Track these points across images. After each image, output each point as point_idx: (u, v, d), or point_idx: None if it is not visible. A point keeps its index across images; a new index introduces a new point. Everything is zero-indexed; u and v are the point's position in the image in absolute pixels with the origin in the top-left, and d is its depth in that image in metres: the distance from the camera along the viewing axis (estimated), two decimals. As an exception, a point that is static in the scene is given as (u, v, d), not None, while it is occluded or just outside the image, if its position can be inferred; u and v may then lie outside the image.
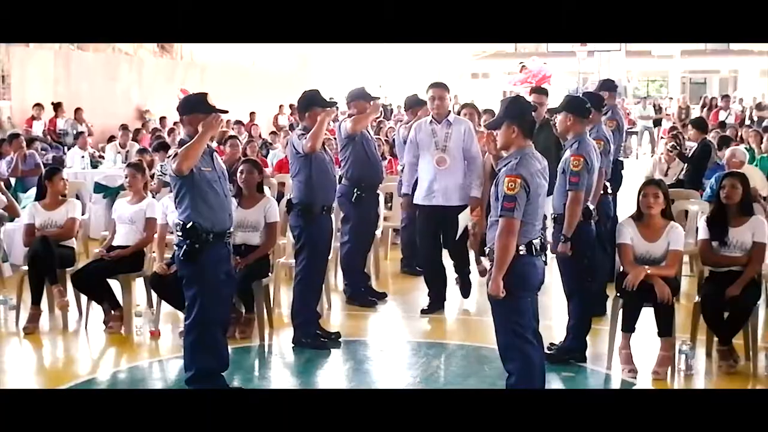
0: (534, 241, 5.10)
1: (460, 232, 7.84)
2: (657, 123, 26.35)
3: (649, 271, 6.16)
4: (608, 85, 9.24)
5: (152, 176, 10.25)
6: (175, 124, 17.91)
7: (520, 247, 5.02)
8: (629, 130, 24.84)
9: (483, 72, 37.34)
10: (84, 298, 7.85)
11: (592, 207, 6.60)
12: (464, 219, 7.78)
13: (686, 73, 39.14)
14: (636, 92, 38.94)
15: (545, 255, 5.23)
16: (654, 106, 28.60)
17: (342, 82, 21.36)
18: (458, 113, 9.00)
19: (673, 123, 24.11)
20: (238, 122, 18.35)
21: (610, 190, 7.82)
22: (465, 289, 8.43)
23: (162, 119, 19.69)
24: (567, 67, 31.83)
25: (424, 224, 8.12)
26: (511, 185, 4.98)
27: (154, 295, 7.67)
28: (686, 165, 11.17)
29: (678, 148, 11.34)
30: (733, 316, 6.29)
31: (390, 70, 28.69)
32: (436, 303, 8.19)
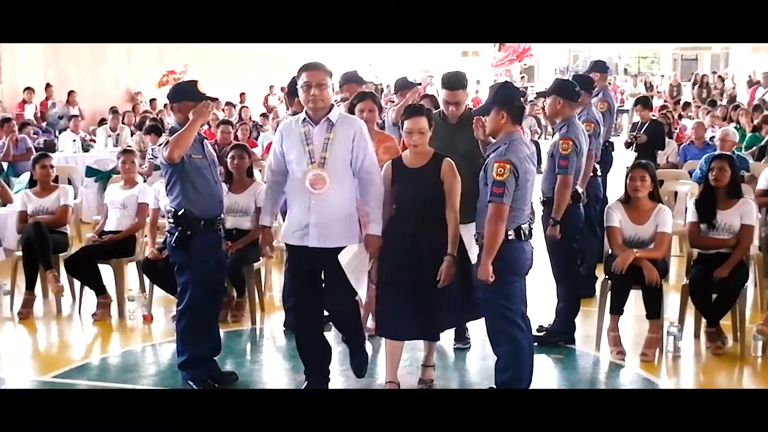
0: (523, 226, 5.14)
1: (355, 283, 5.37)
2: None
3: (637, 254, 6.21)
4: (599, 67, 9.26)
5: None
6: (165, 106, 17.92)
7: (509, 232, 5.07)
8: (620, 108, 24.92)
9: (473, 50, 36.96)
10: (77, 283, 7.89)
11: (580, 190, 6.64)
12: (352, 264, 5.32)
13: (677, 50, 39.13)
14: (628, 69, 38.98)
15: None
16: (645, 83, 28.67)
17: (332, 61, 21.33)
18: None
19: (665, 101, 24.16)
20: (229, 104, 18.32)
21: (599, 173, 7.87)
22: (359, 366, 5.73)
23: (152, 101, 19.65)
24: (557, 45, 31.76)
25: (296, 273, 5.58)
26: (501, 171, 5.02)
27: (146, 280, 7.71)
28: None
29: (634, 141, 11.32)
30: (721, 297, 6.36)
31: (379, 48, 28.53)
32: (318, 381, 5.61)
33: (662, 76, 31.72)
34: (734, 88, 25.97)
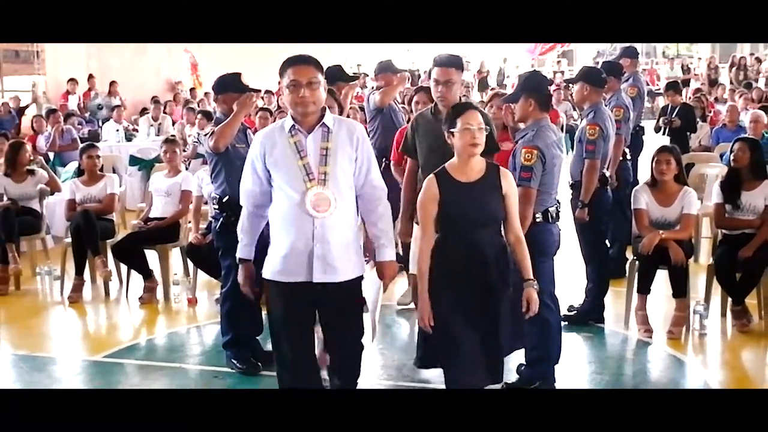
0: (550, 209, 5.36)
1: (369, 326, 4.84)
2: (685, 83, 26.30)
3: (663, 235, 6.40)
4: (629, 53, 9.41)
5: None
6: (205, 95, 18.26)
7: (537, 215, 5.28)
8: (657, 91, 24.90)
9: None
10: (124, 268, 8.22)
11: (608, 174, 6.84)
12: (374, 300, 4.93)
13: (716, 30, 38.68)
14: (666, 51, 38.69)
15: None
16: (682, 66, 28.54)
17: (356, 51, 21.51)
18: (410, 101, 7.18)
19: (701, 83, 24.12)
20: (269, 92, 18.60)
21: (629, 156, 8.05)
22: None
23: (192, 90, 20.00)
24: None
25: (290, 320, 4.38)
26: (528, 156, 5.23)
27: (191, 265, 8.01)
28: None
29: (668, 125, 11.45)
30: (746, 276, 6.53)
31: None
32: None
33: (699, 58, 31.53)
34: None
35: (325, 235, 4.20)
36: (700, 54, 34.65)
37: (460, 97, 5.53)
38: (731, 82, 23.32)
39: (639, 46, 36.37)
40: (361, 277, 4.38)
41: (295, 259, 4.21)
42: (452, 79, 5.38)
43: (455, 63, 5.43)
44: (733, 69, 25.60)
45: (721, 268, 6.61)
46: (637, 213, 6.64)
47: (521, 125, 5.54)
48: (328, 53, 19.94)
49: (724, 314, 6.84)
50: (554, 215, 5.39)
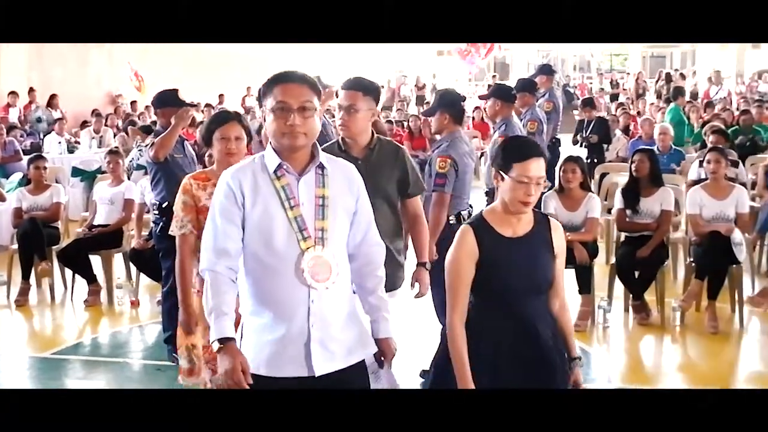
0: (463, 212, 5.93)
1: None
2: (614, 98, 27.26)
3: (569, 237, 7.02)
4: (545, 70, 10.10)
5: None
6: (146, 108, 18.62)
7: (450, 218, 5.85)
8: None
9: (448, 49, 36.86)
10: (69, 272, 8.63)
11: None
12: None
13: (647, 47, 39.93)
14: (600, 66, 39.85)
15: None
16: (611, 81, 29.58)
17: (310, 61, 22.02)
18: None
19: (628, 97, 25.07)
20: (208, 105, 19.03)
21: (544, 166, 8.67)
22: None
23: (133, 103, 20.33)
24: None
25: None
26: (442, 164, 5.81)
27: (133, 269, 8.45)
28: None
29: (585, 141, 12.21)
30: (643, 274, 7.19)
31: (350, 47, 28.97)
32: None
33: (628, 73, 32.62)
34: (695, 85, 26.84)
35: (323, 312, 3.20)
36: (630, 70, 35.79)
37: (372, 132, 4.76)
38: (658, 97, 24.28)
39: (573, 61, 37.24)
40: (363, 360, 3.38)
41: (287, 346, 3.19)
42: (357, 105, 4.58)
43: (362, 87, 4.65)
44: (659, 84, 26.61)
45: (622, 266, 7.27)
46: (546, 217, 7.24)
47: (437, 137, 6.12)
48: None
49: (626, 309, 7.47)
50: (466, 218, 5.95)
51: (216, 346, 3.15)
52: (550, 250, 3.62)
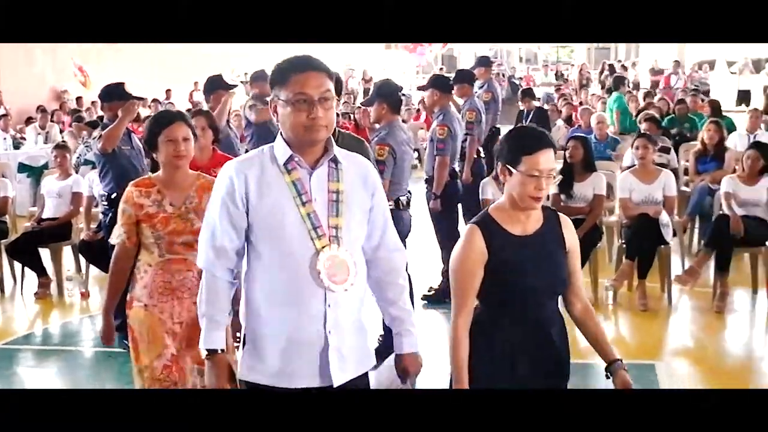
0: (401, 198, 6.19)
1: None
2: (558, 89, 27.69)
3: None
4: (483, 62, 10.39)
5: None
6: (92, 103, 18.63)
7: (390, 203, 6.09)
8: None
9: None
10: (18, 266, 8.74)
11: (457, 168, 7.74)
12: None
13: (591, 39, 40.44)
14: (547, 58, 40.39)
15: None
16: (556, 73, 30.05)
17: (254, 57, 22.09)
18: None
19: (573, 88, 25.51)
20: (155, 100, 19.10)
21: (483, 155, 8.97)
22: None
23: (78, 99, 20.30)
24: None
25: None
26: (381, 152, 6.06)
27: (83, 261, 8.59)
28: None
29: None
30: (577, 256, 7.51)
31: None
32: None
33: (572, 65, 33.16)
34: (636, 75, 27.38)
35: (339, 317, 2.98)
36: (576, 61, 36.34)
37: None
38: (603, 87, 24.74)
39: (519, 53, 37.58)
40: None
41: (303, 354, 2.97)
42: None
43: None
44: (603, 75, 27.10)
45: (556, 249, 7.56)
46: (484, 202, 7.53)
47: (377, 125, 6.37)
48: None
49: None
50: (405, 203, 6.22)
51: (204, 353, 3.04)
52: (563, 248, 3.37)
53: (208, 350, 3.04)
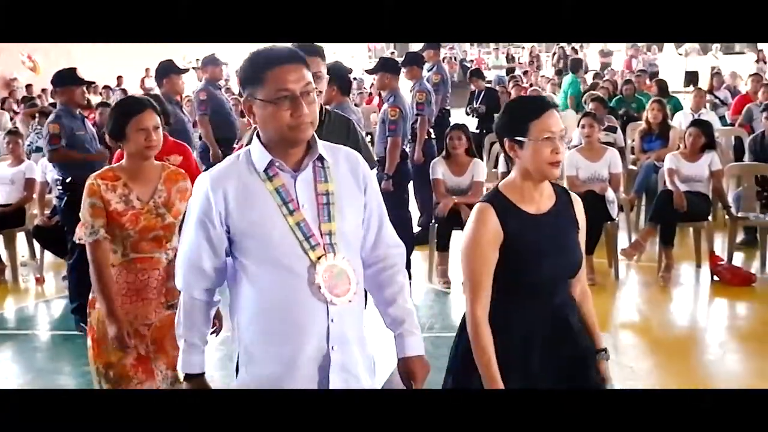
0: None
1: None
2: (510, 71, 27.94)
3: (456, 200, 7.47)
4: (432, 45, 10.51)
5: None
6: (42, 90, 18.51)
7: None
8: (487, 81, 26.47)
9: None
10: (-28, 253, 8.75)
11: (407, 149, 7.88)
12: None
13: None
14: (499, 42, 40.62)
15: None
16: (507, 56, 30.26)
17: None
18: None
19: (525, 70, 25.75)
20: (106, 87, 19.03)
21: (434, 135, 9.12)
22: None
23: (28, 86, 20.14)
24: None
25: None
26: (332, 134, 6.18)
27: (37, 247, 8.61)
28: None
29: (474, 112, 12.77)
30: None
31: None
32: None
33: (523, 47, 33.37)
34: (585, 56, 27.68)
35: (343, 331, 2.72)
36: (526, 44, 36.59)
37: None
38: (557, 71, 25.03)
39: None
40: None
41: (303, 373, 2.70)
42: (321, 71, 4.14)
43: (319, 52, 4.25)
44: (555, 57, 27.41)
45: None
46: (434, 182, 7.69)
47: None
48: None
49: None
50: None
51: (182, 376, 2.86)
52: (576, 228, 3.21)
53: (186, 374, 2.84)
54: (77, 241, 4.11)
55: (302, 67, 2.65)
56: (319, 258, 2.66)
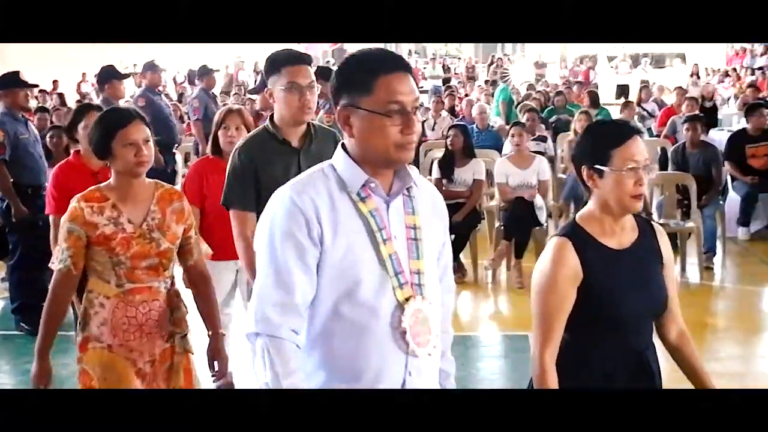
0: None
1: None
2: (446, 81, 28.36)
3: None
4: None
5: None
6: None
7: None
8: (420, 89, 26.80)
9: None
10: None
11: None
12: None
13: (478, 33, 41.17)
14: (436, 51, 41.08)
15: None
16: (443, 66, 30.74)
17: (140, 47, 22.06)
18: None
19: (459, 81, 26.20)
20: (42, 91, 18.93)
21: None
22: None
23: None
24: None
25: None
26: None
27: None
28: None
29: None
30: (458, 238, 7.98)
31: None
32: None
33: (460, 58, 33.93)
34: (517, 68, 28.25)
35: (419, 387, 2.41)
36: (464, 55, 37.16)
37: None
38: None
39: (409, 46, 38.04)
40: None
41: None
42: (315, 81, 3.86)
43: (310, 61, 4.01)
44: (491, 68, 27.88)
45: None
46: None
47: (263, 113, 6.71)
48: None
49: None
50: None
51: None
52: (661, 263, 2.95)
53: None
54: (50, 266, 3.60)
55: (411, 77, 2.35)
56: (407, 299, 2.34)
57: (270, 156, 3.76)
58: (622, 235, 2.88)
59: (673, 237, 8.83)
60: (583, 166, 2.86)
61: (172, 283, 3.71)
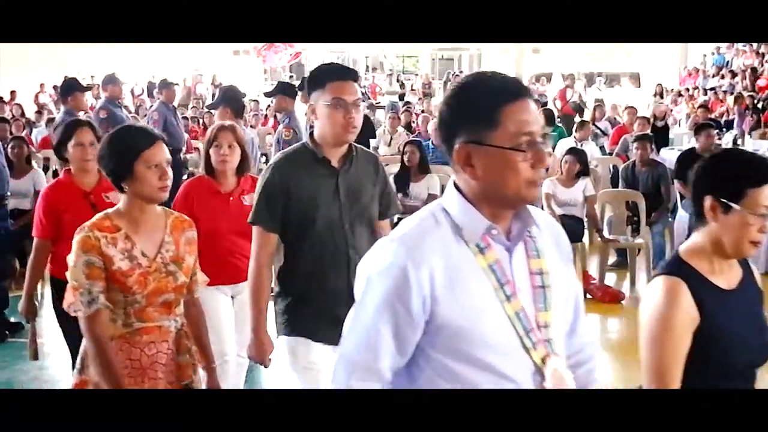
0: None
1: None
2: (402, 97, 28.57)
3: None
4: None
5: None
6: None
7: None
8: (377, 105, 27.07)
9: (244, 49, 33.93)
10: None
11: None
12: None
13: (437, 50, 41.60)
14: (393, 68, 41.35)
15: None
16: (399, 82, 30.99)
17: (105, 58, 22.04)
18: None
19: (418, 97, 26.44)
20: (0, 101, 18.88)
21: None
22: None
23: None
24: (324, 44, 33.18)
25: None
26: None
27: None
28: None
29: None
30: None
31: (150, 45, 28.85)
32: None
33: (417, 74, 34.19)
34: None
35: None
36: (421, 71, 37.45)
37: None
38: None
39: (366, 62, 38.14)
40: None
41: None
42: (359, 98, 3.56)
43: (358, 76, 3.75)
44: (448, 85, 28.13)
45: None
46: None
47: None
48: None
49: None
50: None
51: None
52: (763, 303, 2.70)
53: None
54: (72, 314, 3.18)
55: (532, 102, 2.06)
56: (543, 360, 2.07)
57: (306, 174, 3.52)
58: (729, 275, 2.64)
59: (623, 253, 9.11)
60: (708, 195, 2.59)
61: (183, 323, 3.38)
